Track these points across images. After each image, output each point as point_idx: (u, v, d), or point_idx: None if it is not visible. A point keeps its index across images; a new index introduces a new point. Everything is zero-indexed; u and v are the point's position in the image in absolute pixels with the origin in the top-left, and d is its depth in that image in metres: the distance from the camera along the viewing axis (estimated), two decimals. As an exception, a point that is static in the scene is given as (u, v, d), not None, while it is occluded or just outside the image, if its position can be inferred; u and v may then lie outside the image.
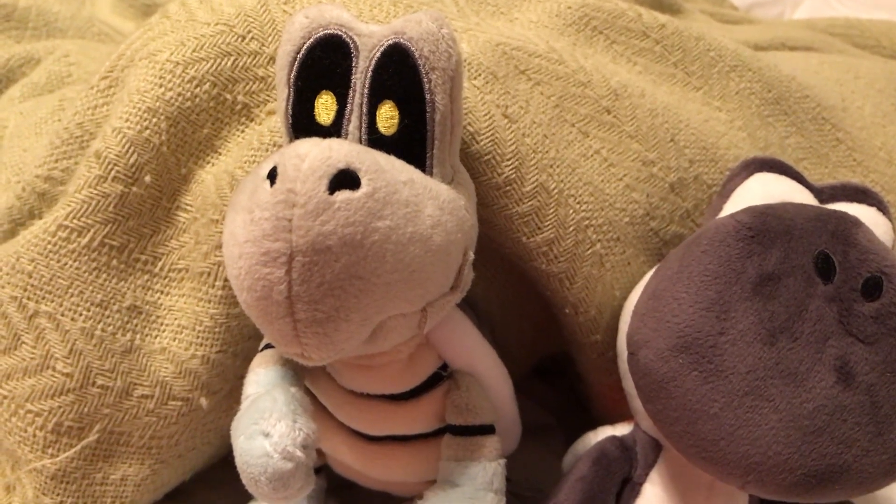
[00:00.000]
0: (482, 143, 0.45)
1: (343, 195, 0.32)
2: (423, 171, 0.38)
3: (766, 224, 0.37)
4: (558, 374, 0.71)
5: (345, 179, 0.32)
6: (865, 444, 0.35)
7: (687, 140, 0.53)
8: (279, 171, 0.32)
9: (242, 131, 0.47)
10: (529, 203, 0.47)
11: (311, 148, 0.32)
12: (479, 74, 0.47)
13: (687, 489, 0.44)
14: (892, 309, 0.36)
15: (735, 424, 0.35)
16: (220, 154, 0.48)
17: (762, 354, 0.35)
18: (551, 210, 0.47)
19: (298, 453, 0.38)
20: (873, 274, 0.36)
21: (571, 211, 0.48)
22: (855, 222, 0.38)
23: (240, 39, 0.47)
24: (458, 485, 0.44)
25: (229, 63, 0.47)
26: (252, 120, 0.48)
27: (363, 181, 0.33)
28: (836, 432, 0.35)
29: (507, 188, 0.46)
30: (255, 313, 0.35)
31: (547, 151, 0.47)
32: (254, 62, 0.47)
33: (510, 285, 0.54)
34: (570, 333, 0.53)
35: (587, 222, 0.48)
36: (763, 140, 0.58)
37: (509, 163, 0.46)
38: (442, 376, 0.46)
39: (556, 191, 0.47)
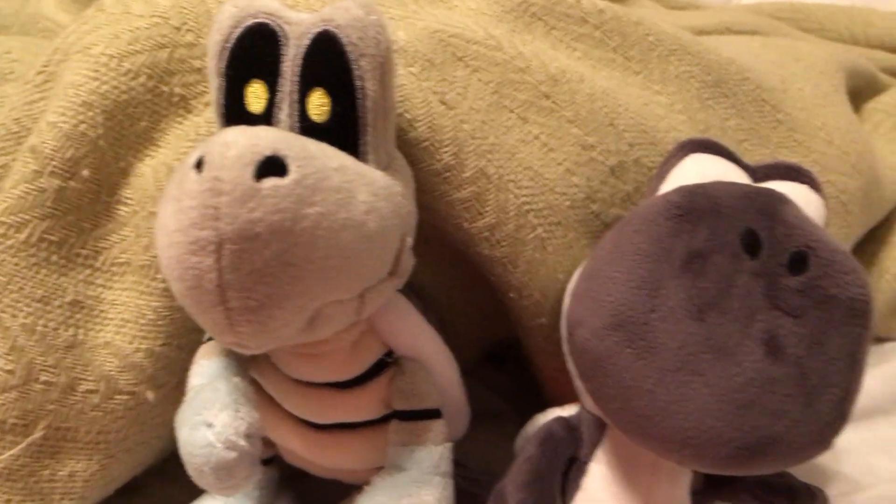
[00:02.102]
0: (420, 130, 0.45)
1: (270, 182, 0.32)
2: (357, 157, 0.38)
3: (694, 202, 0.38)
4: (513, 361, 0.71)
5: (272, 166, 0.32)
6: (796, 415, 0.36)
7: (626, 124, 0.53)
8: (206, 159, 0.32)
9: (181, 123, 0.47)
10: (469, 189, 0.47)
11: (238, 136, 0.32)
12: (416, 62, 0.47)
13: (632, 466, 0.45)
14: (817, 282, 0.36)
15: (668, 400, 0.36)
16: (158, 146, 0.47)
17: (692, 330, 0.36)
18: (491, 195, 0.47)
19: (241, 443, 0.39)
20: (799, 249, 0.37)
21: (512, 196, 0.48)
22: (782, 199, 0.39)
23: (175, 31, 0.47)
24: (404, 469, 0.44)
25: (165, 55, 0.47)
26: (190, 111, 0.47)
27: (291, 168, 0.33)
28: (766, 404, 0.35)
29: (447, 174, 0.46)
30: (188, 303, 0.35)
31: (486, 137, 0.48)
32: (190, 53, 0.47)
33: (456, 271, 0.54)
34: (516, 318, 0.53)
35: (528, 207, 0.49)
36: (703, 122, 0.59)
37: (448, 149, 0.46)
38: (387, 363, 0.46)
39: (495, 176, 0.47)
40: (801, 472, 0.64)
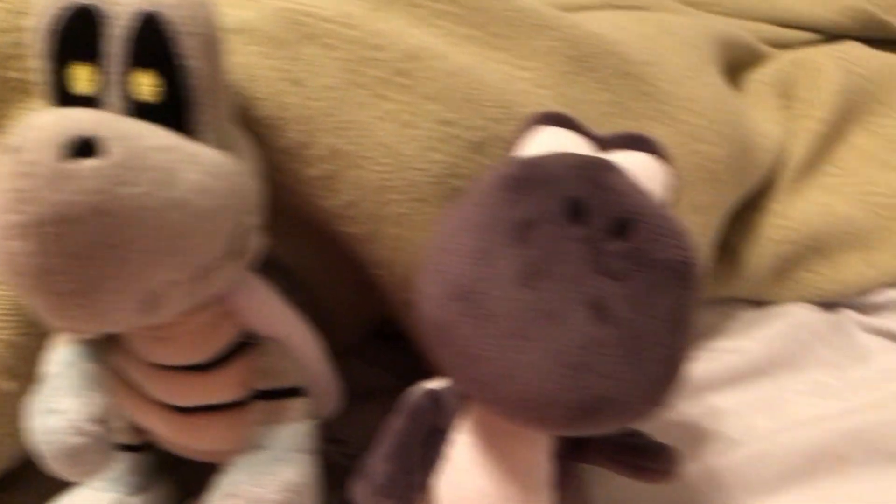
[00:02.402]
0: (267, 109, 0.45)
1: (83, 163, 0.32)
2: (191, 137, 0.38)
3: (526, 173, 0.39)
4: (404, 337, 0.72)
5: (85, 148, 0.32)
6: (625, 376, 0.37)
7: (488, 100, 0.54)
8: (19, 142, 0.32)
9: (21, 108, 0.46)
10: (322, 167, 0.47)
11: (49, 118, 0.32)
12: (263, 40, 0.47)
13: (493, 435, 0.46)
14: (641, 246, 0.38)
15: (506, 366, 0.37)
16: (2, 133, 0.46)
17: (523, 297, 0.37)
18: (346, 172, 0.48)
19: (90, 427, 0.39)
20: (623, 215, 0.38)
21: (368, 172, 0.48)
22: (611, 167, 0.40)
23: (16, 15, 0.46)
24: (265, 448, 0.45)
25: (7, 40, 0.46)
26: (30, 96, 0.47)
27: (106, 148, 0.33)
28: (596, 366, 0.36)
29: (298, 152, 0.46)
30: (17, 289, 0.35)
31: (338, 115, 0.48)
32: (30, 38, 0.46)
33: (324, 250, 0.54)
34: (385, 294, 0.54)
35: (386, 183, 0.49)
36: (569, 97, 0.60)
37: (297, 127, 0.46)
38: (245, 343, 0.46)
39: (349, 153, 0.48)
40: (681, 432, 0.67)
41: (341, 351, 0.60)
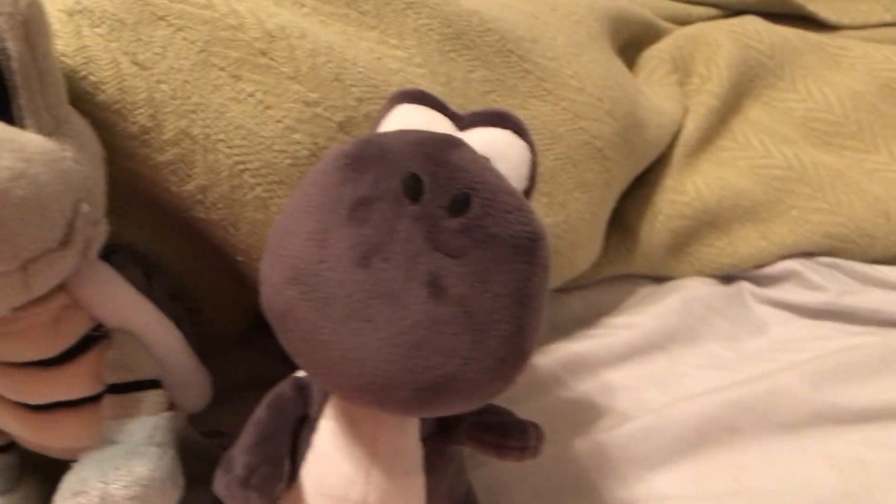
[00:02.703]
0: (109, 93, 0.44)
1: None
2: (13, 123, 0.36)
3: (363, 151, 0.38)
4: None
5: None
6: (466, 353, 0.36)
7: (354, 79, 0.53)
8: None
9: None
10: (173, 151, 0.46)
11: None
12: (104, 22, 0.45)
13: (356, 419, 0.45)
14: (478, 222, 0.37)
15: (344, 349, 0.36)
16: None
17: (358, 278, 0.36)
18: (199, 156, 0.46)
19: None
20: (461, 190, 0.37)
21: (222, 156, 0.47)
22: (453, 143, 0.39)
23: None
24: (116, 442, 0.43)
25: None
26: None
27: None
28: (436, 345, 0.36)
29: (145, 137, 0.45)
30: None
31: (189, 97, 0.46)
32: None
33: (187, 238, 0.53)
34: (253, 281, 0.52)
35: (242, 166, 0.48)
36: (445, 75, 0.59)
37: (143, 111, 0.44)
38: (96, 336, 0.44)
39: (201, 136, 0.46)
40: (573, 409, 0.67)
41: (222, 340, 0.59)
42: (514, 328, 0.37)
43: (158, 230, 0.52)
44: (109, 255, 0.48)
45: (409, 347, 0.36)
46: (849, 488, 0.61)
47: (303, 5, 0.56)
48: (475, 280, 0.36)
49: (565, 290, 0.81)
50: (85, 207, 0.39)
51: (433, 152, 0.38)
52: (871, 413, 0.66)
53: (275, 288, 0.38)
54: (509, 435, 0.45)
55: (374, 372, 0.36)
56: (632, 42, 0.92)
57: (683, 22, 1.03)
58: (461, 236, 0.37)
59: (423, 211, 0.37)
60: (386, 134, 0.40)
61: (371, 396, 0.37)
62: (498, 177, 0.39)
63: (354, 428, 0.45)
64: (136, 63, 0.45)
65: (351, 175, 0.37)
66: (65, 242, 0.38)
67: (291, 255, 0.37)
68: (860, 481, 0.61)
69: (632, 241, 0.81)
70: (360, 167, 0.38)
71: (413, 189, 0.37)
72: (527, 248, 0.38)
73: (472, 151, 0.40)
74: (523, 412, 0.65)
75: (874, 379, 0.69)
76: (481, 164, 0.39)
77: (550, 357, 0.71)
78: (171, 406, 0.47)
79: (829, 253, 0.86)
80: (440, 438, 0.47)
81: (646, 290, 0.84)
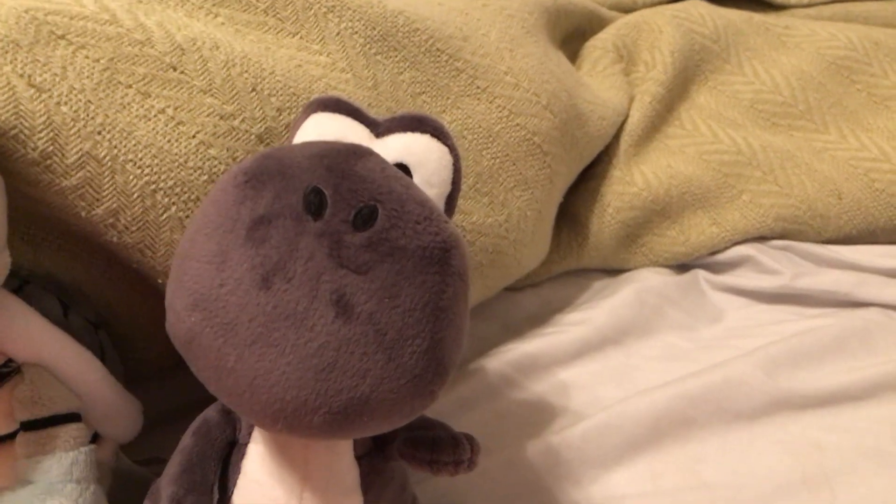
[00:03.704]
0: (3, 118, 0.42)
1: None
2: None
3: (261, 167, 0.37)
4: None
5: None
6: (379, 373, 0.35)
7: (272, 88, 0.51)
8: None
9: None
10: (78, 175, 0.44)
11: None
12: (-5, 44, 0.43)
13: (287, 443, 0.44)
14: (383, 235, 0.36)
15: (251, 375, 0.35)
16: None
17: (259, 301, 0.34)
18: (106, 179, 0.45)
19: None
20: (366, 203, 0.36)
21: (132, 177, 0.45)
22: (358, 153, 0.38)
23: None
24: (32, 481, 0.42)
25: None
26: None
27: None
28: (346, 366, 0.34)
29: (48, 162, 0.43)
30: None
31: (93, 118, 0.44)
32: None
33: (109, 263, 0.51)
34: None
35: (153, 186, 0.46)
36: (371, 79, 0.58)
37: (42, 135, 0.43)
38: (5, 373, 0.43)
39: (107, 158, 0.45)
40: (526, 410, 0.66)
41: (160, 364, 0.57)
42: (430, 343, 0.36)
43: (77, 256, 0.50)
44: (22, 286, 0.46)
45: (318, 370, 0.34)
46: (806, 474, 0.60)
47: (216, 15, 0.54)
48: (384, 296, 0.35)
49: (517, 288, 0.80)
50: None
51: (336, 164, 0.37)
52: (826, 396, 0.66)
53: (177, 315, 0.36)
54: (441, 450, 0.43)
55: (283, 398, 0.35)
56: (574, 33, 0.91)
57: (628, 10, 1.02)
58: (367, 251, 0.35)
59: (325, 227, 0.35)
60: (288, 147, 0.38)
61: (283, 423, 0.35)
62: (407, 186, 0.38)
63: (284, 451, 0.44)
64: (32, 85, 0.43)
65: (249, 193, 0.36)
66: (-41, 277, 0.37)
67: (191, 279, 0.36)
68: (817, 466, 0.61)
69: (582, 235, 0.80)
70: (259, 184, 0.36)
71: (314, 204, 0.35)
72: (438, 258, 0.37)
73: (380, 161, 0.39)
74: (474, 417, 0.64)
75: (827, 362, 0.69)
76: (389, 173, 0.38)
77: (502, 359, 0.69)
78: (96, 438, 0.45)
79: (783, 236, 0.85)
80: (376, 457, 0.46)
81: (599, 284, 0.83)
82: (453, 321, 0.37)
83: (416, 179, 0.42)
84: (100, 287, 0.52)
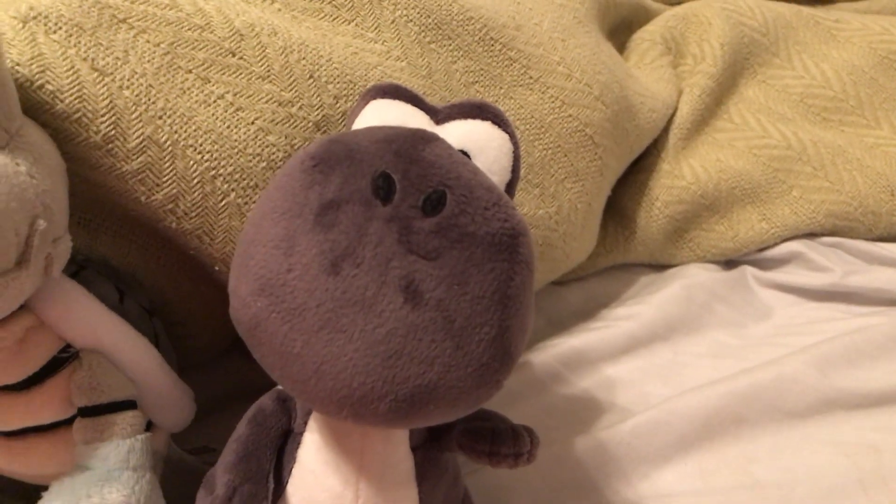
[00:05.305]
0: (67, 102, 0.42)
1: None
2: None
3: (329, 151, 0.36)
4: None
5: None
6: (447, 360, 0.34)
7: (329, 76, 0.51)
8: None
9: None
10: (139, 159, 0.44)
11: None
12: (60, 28, 0.43)
13: (343, 432, 0.43)
14: (452, 221, 0.35)
15: (318, 361, 0.34)
16: None
17: (327, 286, 0.34)
18: (167, 164, 0.44)
19: None
20: (435, 189, 0.35)
21: (192, 162, 0.45)
22: (425, 138, 0.37)
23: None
24: (89, 468, 0.41)
25: None
26: None
27: None
28: (414, 353, 0.34)
29: (110, 146, 0.43)
30: None
31: (154, 102, 0.44)
32: None
33: (164, 249, 0.51)
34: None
35: (213, 172, 0.46)
36: (425, 68, 0.57)
37: (105, 119, 0.42)
38: (64, 358, 0.43)
39: (168, 143, 0.44)
40: (574, 406, 0.65)
41: (210, 352, 0.57)
42: (498, 331, 0.35)
43: (133, 242, 0.50)
44: (79, 271, 0.46)
45: (385, 357, 0.34)
46: (862, 476, 0.59)
47: (273, 1, 0.54)
48: (453, 282, 0.34)
49: (563, 282, 0.79)
50: (42, 224, 0.37)
51: (404, 149, 0.36)
52: (881, 396, 0.64)
53: (242, 300, 0.36)
54: (502, 442, 0.43)
55: (349, 384, 0.34)
56: (621, 24, 0.90)
57: (674, 2, 1.00)
58: (436, 237, 0.35)
59: (394, 212, 0.35)
60: (354, 132, 0.38)
61: (348, 410, 0.35)
62: (474, 171, 0.37)
63: (340, 440, 0.43)
64: (95, 69, 0.43)
65: (317, 178, 0.35)
66: (21, 262, 0.36)
67: (257, 265, 0.35)
68: (873, 468, 0.59)
69: (629, 229, 0.79)
70: (327, 169, 0.36)
71: (383, 189, 0.35)
72: (507, 245, 0.36)
73: (447, 146, 0.38)
74: (521, 411, 0.63)
75: (883, 361, 0.67)
76: (456, 159, 0.37)
77: (548, 353, 0.69)
78: (150, 426, 0.45)
79: (833, 232, 0.84)
80: (432, 447, 0.45)
81: (646, 279, 0.82)
82: (520, 309, 0.37)
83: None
84: (154, 274, 0.52)
